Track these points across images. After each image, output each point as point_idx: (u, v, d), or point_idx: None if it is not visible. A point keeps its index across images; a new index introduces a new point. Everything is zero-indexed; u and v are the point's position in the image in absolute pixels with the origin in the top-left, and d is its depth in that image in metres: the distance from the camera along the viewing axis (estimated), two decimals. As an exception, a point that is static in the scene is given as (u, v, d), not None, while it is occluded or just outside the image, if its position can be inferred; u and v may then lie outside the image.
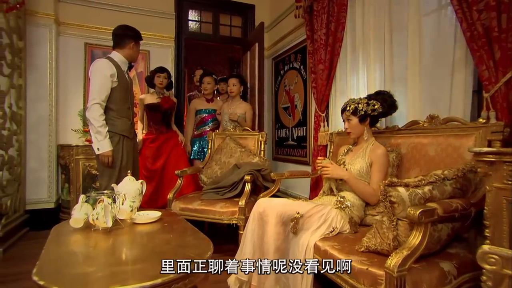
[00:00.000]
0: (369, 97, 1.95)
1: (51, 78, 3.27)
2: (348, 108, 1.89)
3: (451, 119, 1.67)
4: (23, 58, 3.07)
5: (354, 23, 2.57)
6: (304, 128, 3.31)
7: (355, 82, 2.56)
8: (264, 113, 4.21)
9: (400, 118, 2.12)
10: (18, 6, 2.69)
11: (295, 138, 3.53)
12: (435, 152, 1.66)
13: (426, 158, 1.70)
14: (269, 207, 1.65)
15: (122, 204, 1.52)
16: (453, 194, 1.31)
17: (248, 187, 2.43)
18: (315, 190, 2.78)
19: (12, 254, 2.59)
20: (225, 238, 2.81)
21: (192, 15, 4.17)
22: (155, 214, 1.62)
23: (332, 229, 1.61)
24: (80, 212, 1.44)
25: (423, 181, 1.28)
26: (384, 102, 1.89)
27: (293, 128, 3.56)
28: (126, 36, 2.37)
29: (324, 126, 2.82)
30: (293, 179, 3.48)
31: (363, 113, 1.86)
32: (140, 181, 1.76)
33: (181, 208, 2.45)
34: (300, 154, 3.40)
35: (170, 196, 2.53)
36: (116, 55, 2.36)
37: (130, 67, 2.52)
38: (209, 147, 3.14)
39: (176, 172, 2.66)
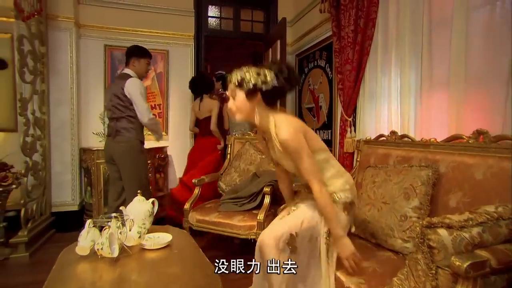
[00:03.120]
0: (263, 66, 1.45)
1: (72, 81, 3.27)
2: (232, 80, 1.40)
3: (505, 137, 1.40)
4: (45, 63, 3.08)
5: (386, 19, 2.30)
6: (329, 131, 3.10)
7: (386, 86, 2.30)
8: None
9: (438, 129, 1.86)
10: (35, 13, 2.66)
11: (319, 141, 3.32)
12: (483, 176, 1.42)
13: (471, 181, 1.46)
14: (263, 241, 1.37)
15: (130, 230, 1.43)
16: (510, 237, 1.09)
17: (267, 199, 2.29)
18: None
19: (38, 258, 2.64)
20: (243, 246, 2.69)
21: (212, 11, 4.01)
22: (165, 239, 1.53)
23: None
24: (86, 240, 1.37)
25: (470, 221, 1.06)
26: (280, 73, 1.38)
27: (318, 131, 3.34)
28: (128, 53, 2.57)
29: (350, 132, 2.60)
30: None
31: (251, 86, 1.35)
32: (151, 200, 1.66)
33: (197, 220, 2.36)
34: (325, 159, 3.20)
35: (187, 206, 2.45)
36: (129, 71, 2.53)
37: None
38: (229, 152, 3.03)
39: (193, 181, 2.57)
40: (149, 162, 3.29)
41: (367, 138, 2.36)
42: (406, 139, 1.98)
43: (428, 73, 1.95)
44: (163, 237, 1.56)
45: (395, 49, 2.20)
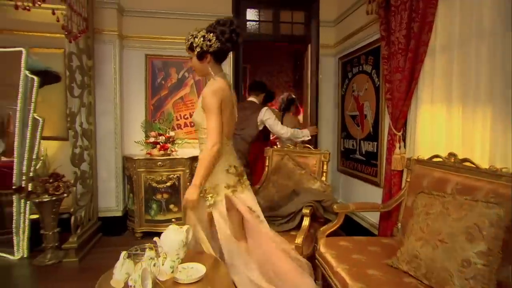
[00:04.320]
0: (209, 27, 1.66)
1: (116, 92, 3.38)
2: (186, 44, 1.64)
3: None
4: (92, 76, 3.21)
5: (447, 22, 2.01)
6: (375, 143, 2.86)
7: (445, 99, 2.02)
8: (323, 118, 3.85)
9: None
10: (82, 32, 2.76)
11: (363, 152, 3.09)
12: None
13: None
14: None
15: (163, 264, 1.40)
16: None
17: (306, 222, 2.16)
18: (386, 220, 2.37)
19: (87, 263, 2.78)
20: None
21: (251, 14, 3.90)
22: (199, 271, 1.48)
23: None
24: (121, 272, 1.36)
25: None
26: (222, 34, 1.60)
27: (362, 141, 3.11)
28: None
29: (399, 148, 2.36)
30: (359, 188, 3.12)
31: (199, 49, 1.60)
32: (186, 227, 1.62)
33: (233, 239, 2.31)
34: (369, 172, 2.96)
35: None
36: None
37: None
38: (266, 164, 2.93)
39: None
40: (187, 171, 3.32)
41: (419, 157, 2.12)
42: (468, 163, 1.73)
43: (500, 84, 1.66)
44: (197, 268, 1.52)
45: (458, 56, 1.92)
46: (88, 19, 2.95)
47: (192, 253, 1.71)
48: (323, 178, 2.61)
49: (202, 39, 1.60)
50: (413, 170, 2.12)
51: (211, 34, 1.61)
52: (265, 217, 2.35)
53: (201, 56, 1.63)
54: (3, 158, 3.05)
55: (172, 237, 1.52)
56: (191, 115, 3.66)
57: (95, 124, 3.29)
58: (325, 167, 2.64)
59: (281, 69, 6.69)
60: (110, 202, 3.42)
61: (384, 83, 2.51)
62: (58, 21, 2.34)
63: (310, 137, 3.12)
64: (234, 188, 1.75)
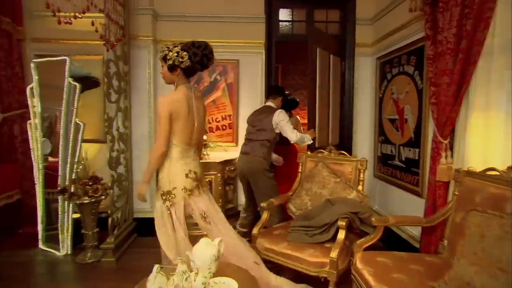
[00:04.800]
0: (185, 45, 1.83)
1: (150, 96, 3.45)
2: (160, 54, 1.83)
3: None
4: (128, 81, 3.30)
5: (508, 19, 1.80)
6: (417, 150, 2.66)
7: (503, 106, 1.82)
8: (358, 121, 3.68)
9: None
10: (118, 40, 2.83)
11: (403, 159, 2.90)
12: None
13: None
14: None
15: (195, 280, 1.38)
16: None
17: (342, 235, 2.05)
18: (430, 235, 2.20)
19: (123, 263, 2.87)
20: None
21: (284, 14, 3.80)
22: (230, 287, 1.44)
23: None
24: (153, 286, 1.36)
25: None
26: (194, 56, 1.79)
27: (401, 147, 2.92)
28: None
29: (446, 157, 2.16)
30: (397, 196, 2.94)
31: (171, 62, 1.79)
32: (218, 239, 1.59)
33: (265, 249, 2.25)
34: (410, 181, 2.77)
35: (255, 231, 2.36)
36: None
37: None
38: (300, 170, 2.84)
39: (262, 204, 2.46)
40: (218, 175, 3.31)
41: (470, 168, 1.93)
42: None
43: None
44: (229, 284, 1.48)
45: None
46: (124, 27, 3.03)
47: (223, 266, 1.69)
48: (360, 188, 2.47)
49: (176, 54, 1.78)
50: (462, 182, 1.94)
51: (185, 53, 1.79)
52: (298, 227, 2.31)
53: (171, 68, 1.83)
54: (50, 159, 3.24)
55: (204, 251, 1.49)
56: (223, 118, 3.66)
57: (130, 127, 3.39)
58: (361, 175, 2.50)
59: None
60: (144, 203, 3.50)
61: (428, 86, 2.32)
62: (96, 31, 2.41)
63: (312, 142, 3.11)
64: (191, 192, 1.89)
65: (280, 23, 3.79)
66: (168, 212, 1.86)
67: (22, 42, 3.45)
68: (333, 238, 2.11)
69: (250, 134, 3.09)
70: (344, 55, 3.72)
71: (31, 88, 3.11)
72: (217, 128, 3.67)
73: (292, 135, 2.91)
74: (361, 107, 3.71)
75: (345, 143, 3.77)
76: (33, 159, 3.15)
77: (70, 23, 2.19)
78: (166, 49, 1.81)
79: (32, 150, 3.15)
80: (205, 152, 3.40)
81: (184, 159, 1.87)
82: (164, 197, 1.85)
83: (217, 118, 3.66)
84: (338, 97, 3.75)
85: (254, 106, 3.63)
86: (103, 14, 2.51)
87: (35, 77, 3.08)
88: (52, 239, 3.09)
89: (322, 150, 2.80)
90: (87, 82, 3.23)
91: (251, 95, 3.66)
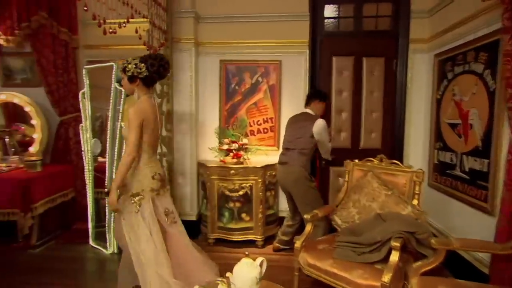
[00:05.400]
0: (142, 58, 1.95)
1: (191, 99, 3.45)
2: (120, 66, 1.95)
3: None
4: (170, 84, 3.33)
5: None
6: (485, 161, 2.32)
7: None
8: (411, 124, 3.36)
9: None
10: (161, 45, 2.85)
11: (466, 169, 2.56)
12: None
13: None
14: None
15: (235, 305, 1.29)
16: None
17: (395, 257, 1.84)
18: (504, 262, 1.89)
19: None
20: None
21: (329, 10, 3.58)
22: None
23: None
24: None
25: None
26: (151, 66, 1.92)
27: (464, 156, 2.58)
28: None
29: (527, 172, 1.84)
30: (457, 211, 2.61)
31: (130, 74, 1.91)
32: (259, 260, 1.49)
33: (308, 264, 2.11)
34: (475, 195, 2.44)
35: (297, 245, 2.22)
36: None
37: None
38: (346, 179, 2.64)
39: (305, 216, 2.32)
40: (259, 180, 3.22)
41: (560, 188, 1.61)
42: None
43: None
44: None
45: None
46: (167, 31, 3.04)
47: (265, 284, 1.59)
48: (415, 202, 2.22)
49: (134, 66, 1.90)
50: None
51: (142, 64, 1.91)
52: (345, 242, 2.13)
53: (131, 79, 1.96)
54: (100, 159, 3.39)
55: (245, 272, 1.40)
56: (264, 121, 3.56)
57: (173, 131, 3.42)
58: (417, 188, 2.25)
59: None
60: (185, 206, 3.54)
61: (504, 88, 1.99)
62: (140, 38, 2.43)
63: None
64: (158, 192, 2.05)
65: (325, 20, 3.57)
66: (137, 211, 1.98)
67: (76, 50, 3.64)
68: (385, 259, 1.91)
69: (287, 143, 3.02)
70: (395, 53, 3.41)
71: (83, 93, 3.26)
72: (258, 131, 3.58)
73: (328, 148, 2.98)
74: (414, 110, 3.38)
75: (393, 148, 3.47)
76: (84, 160, 3.31)
77: (115, 33, 2.22)
78: (125, 62, 1.95)
79: (83, 152, 3.31)
80: (245, 156, 3.33)
81: (150, 163, 2.04)
82: (134, 198, 1.98)
83: (258, 121, 3.57)
84: (381, 98, 3.48)
85: (297, 108, 3.48)
86: (147, 20, 2.52)
87: (86, 82, 3.22)
88: (102, 236, 3.23)
89: (371, 159, 2.57)
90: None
91: (294, 97, 3.50)
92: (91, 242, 3.30)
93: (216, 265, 2.40)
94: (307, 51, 3.46)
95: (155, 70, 1.96)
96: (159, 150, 3.07)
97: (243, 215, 3.29)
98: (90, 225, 3.30)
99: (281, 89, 3.52)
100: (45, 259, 3.00)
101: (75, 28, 3.55)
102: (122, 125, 3.03)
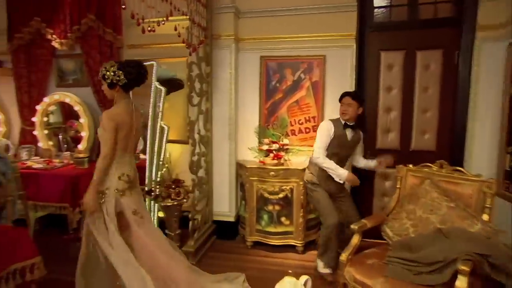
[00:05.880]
0: (121, 65, 2.00)
1: (231, 97, 3.36)
2: (100, 73, 2.00)
3: None
4: (209, 82, 3.26)
5: None
6: None
7: None
8: (476, 121, 2.95)
9: None
10: (201, 43, 2.77)
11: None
12: None
13: None
14: None
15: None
16: None
17: (464, 283, 1.57)
18: None
19: (203, 268, 2.82)
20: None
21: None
22: None
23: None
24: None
25: None
26: (128, 74, 1.98)
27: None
28: None
29: None
30: None
31: (109, 81, 1.98)
32: (303, 279, 1.34)
33: (355, 280, 1.91)
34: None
35: (343, 257, 2.03)
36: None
37: None
38: (398, 185, 2.37)
39: (352, 227, 2.11)
40: (300, 183, 3.04)
41: None
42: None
43: None
44: None
45: None
46: (207, 27, 2.97)
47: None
48: (485, 217, 1.91)
49: (113, 73, 1.95)
50: None
51: (120, 72, 1.96)
52: (398, 258, 1.89)
53: (110, 86, 2.01)
54: (142, 156, 3.43)
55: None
56: (306, 120, 3.36)
57: (211, 130, 3.36)
58: (488, 201, 1.93)
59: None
60: (223, 207, 3.47)
61: None
62: (179, 36, 2.37)
63: (342, 182, 2.67)
64: (122, 193, 2.05)
65: (375, 10, 3.25)
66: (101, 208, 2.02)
67: (120, 50, 3.72)
68: (448, 283, 1.65)
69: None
70: (457, 44, 3.01)
71: (126, 92, 3.31)
72: (300, 131, 3.38)
73: (314, 148, 2.71)
74: (479, 108, 2.95)
75: (451, 151, 3.09)
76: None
77: (154, 31, 2.17)
78: (104, 69, 2.00)
79: (126, 150, 3.37)
80: (286, 157, 3.17)
81: (118, 163, 2.05)
82: (99, 196, 2.01)
83: (300, 120, 3.38)
84: (437, 95, 3.10)
85: (342, 107, 3.24)
86: (187, 17, 2.45)
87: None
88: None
89: (429, 164, 2.27)
90: (172, 84, 3.30)
91: (338, 95, 3.25)
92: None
93: (190, 265, 2.37)
94: (354, 45, 3.19)
95: (133, 78, 2.01)
96: (197, 150, 3.05)
97: (283, 218, 3.14)
98: (131, 222, 3.36)
99: (324, 86, 3.29)
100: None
101: (120, 28, 3.62)
102: (163, 125, 3.03)
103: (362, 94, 3.07)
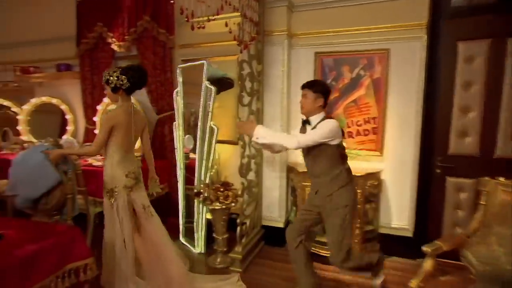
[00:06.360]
0: (123, 70, 2.10)
1: (283, 96, 3.17)
2: (103, 79, 2.12)
3: None
4: (260, 81, 3.11)
5: None
6: None
7: None
8: None
9: None
10: (252, 39, 2.63)
11: None
12: None
13: None
14: None
15: None
16: None
17: None
18: None
19: (251, 276, 2.72)
20: None
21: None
22: None
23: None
24: None
25: None
26: (131, 78, 2.10)
27: None
28: None
29: None
30: None
31: (113, 85, 2.09)
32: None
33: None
34: None
35: (413, 285, 1.73)
36: None
37: None
38: (483, 202, 1.98)
39: (423, 248, 1.79)
40: (358, 190, 2.75)
41: None
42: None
43: None
44: None
45: None
46: (259, 23, 2.81)
47: None
48: None
49: (116, 78, 2.06)
50: None
51: (123, 76, 2.07)
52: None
53: (114, 90, 2.11)
54: (192, 155, 3.42)
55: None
56: (365, 121, 3.05)
57: (262, 131, 3.20)
58: None
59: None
60: (273, 211, 3.31)
61: None
62: (230, 32, 2.25)
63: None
64: (131, 189, 2.19)
65: (452, -7, 2.81)
66: (111, 205, 2.17)
67: (172, 50, 3.75)
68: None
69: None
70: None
71: (177, 91, 3.31)
72: (358, 133, 3.08)
73: None
74: None
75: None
76: (176, 158, 3.38)
77: (203, 27, 2.08)
78: (107, 74, 2.10)
79: (176, 150, 3.38)
80: (341, 162, 2.89)
81: (123, 162, 2.18)
82: (108, 194, 2.18)
83: (358, 121, 3.07)
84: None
85: (408, 105, 2.88)
86: (238, 12, 2.32)
87: (179, 81, 3.26)
88: (191, 233, 3.26)
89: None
90: (222, 84, 3.22)
91: (404, 93, 2.89)
92: (181, 239, 3.36)
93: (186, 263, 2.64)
94: (424, 36, 2.79)
95: (136, 81, 2.13)
96: (247, 152, 2.92)
97: (337, 229, 2.87)
98: (180, 221, 3.37)
99: (388, 84, 2.94)
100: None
101: (172, 28, 3.64)
102: (213, 126, 2.95)
103: (325, 84, 2.35)
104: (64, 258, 1.71)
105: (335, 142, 2.10)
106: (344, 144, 2.90)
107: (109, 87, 2.12)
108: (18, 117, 4.64)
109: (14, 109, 4.71)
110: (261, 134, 2.08)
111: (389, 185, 3.02)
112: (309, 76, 3.20)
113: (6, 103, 4.74)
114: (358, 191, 2.74)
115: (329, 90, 2.26)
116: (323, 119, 2.15)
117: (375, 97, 2.98)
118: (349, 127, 3.09)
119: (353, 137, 3.09)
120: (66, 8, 4.17)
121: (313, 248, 2.95)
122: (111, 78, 2.09)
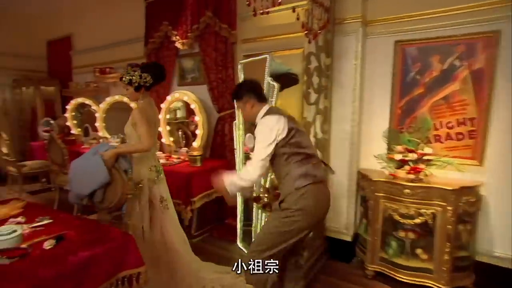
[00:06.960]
0: (143, 68, 2.16)
1: (355, 93, 2.78)
2: (124, 79, 2.15)
3: None
4: (329, 76, 2.77)
5: None
6: None
7: None
8: None
9: None
10: (322, 28, 2.30)
11: None
12: None
13: None
14: None
15: None
16: None
17: None
18: None
19: None
20: None
21: None
22: None
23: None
24: None
25: None
26: (154, 75, 2.18)
27: None
28: None
29: None
30: None
31: (137, 85, 2.15)
32: None
33: None
34: None
35: None
36: None
37: None
38: None
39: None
40: (449, 208, 2.25)
41: None
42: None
43: None
44: None
45: None
46: (330, 8, 2.47)
47: None
48: None
49: (139, 77, 2.14)
50: None
51: (146, 74, 2.16)
52: None
53: (137, 89, 2.18)
54: (252, 155, 3.24)
55: None
56: (459, 123, 2.50)
57: (330, 131, 2.86)
58: None
59: None
60: (339, 222, 2.94)
61: None
62: (298, 18, 1.96)
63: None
64: (154, 182, 2.28)
65: None
66: (135, 197, 2.23)
67: (234, 45, 3.60)
68: None
69: (310, 147, 1.92)
70: None
71: (238, 89, 3.14)
72: (448, 137, 2.54)
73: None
74: None
75: None
76: (236, 158, 3.22)
77: (267, 13, 1.83)
78: (127, 74, 2.14)
79: (235, 150, 3.23)
80: (427, 172, 2.41)
81: (147, 157, 2.24)
82: (135, 186, 2.22)
83: (448, 122, 2.53)
84: None
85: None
86: (306, -3, 2.02)
87: (241, 77, 3.08)
88: (248, 236, 3.09)
89: None
90: (286, 80, 2.96)
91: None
92: (238, 243, 3.21)
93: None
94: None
95: (158, 77, 2.20)
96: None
97: (419, 250, 2.42)
98: (238, 225, 3.22)
99: (494, 76, 2.35)
100: (199, 251, 3.09)
101: (234, 22, 3.49)
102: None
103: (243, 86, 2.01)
104: (117, 265, 1.65)
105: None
106: (429, 149, 2.43)
107: (131, 87, 2.18)
108: (96, 114, 5.03)
109: (94, 107, 5.11)
110: (228, 183, 1.88)
111: (491, 203, 2.43)
112: (386, 70, 2.76)
113: (88, 101, 5.18)
114: (449, 208, 2.24)
115: (249, 81, 2.10)
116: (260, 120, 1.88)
117: (475, 93, 2.41)
118: (436, 129, 2.57)
119: (441, 142, 2.56)
120: (138, 10, 4.36)
121: (386, 270, 2.54)
122: (134, 78, 2.15)
